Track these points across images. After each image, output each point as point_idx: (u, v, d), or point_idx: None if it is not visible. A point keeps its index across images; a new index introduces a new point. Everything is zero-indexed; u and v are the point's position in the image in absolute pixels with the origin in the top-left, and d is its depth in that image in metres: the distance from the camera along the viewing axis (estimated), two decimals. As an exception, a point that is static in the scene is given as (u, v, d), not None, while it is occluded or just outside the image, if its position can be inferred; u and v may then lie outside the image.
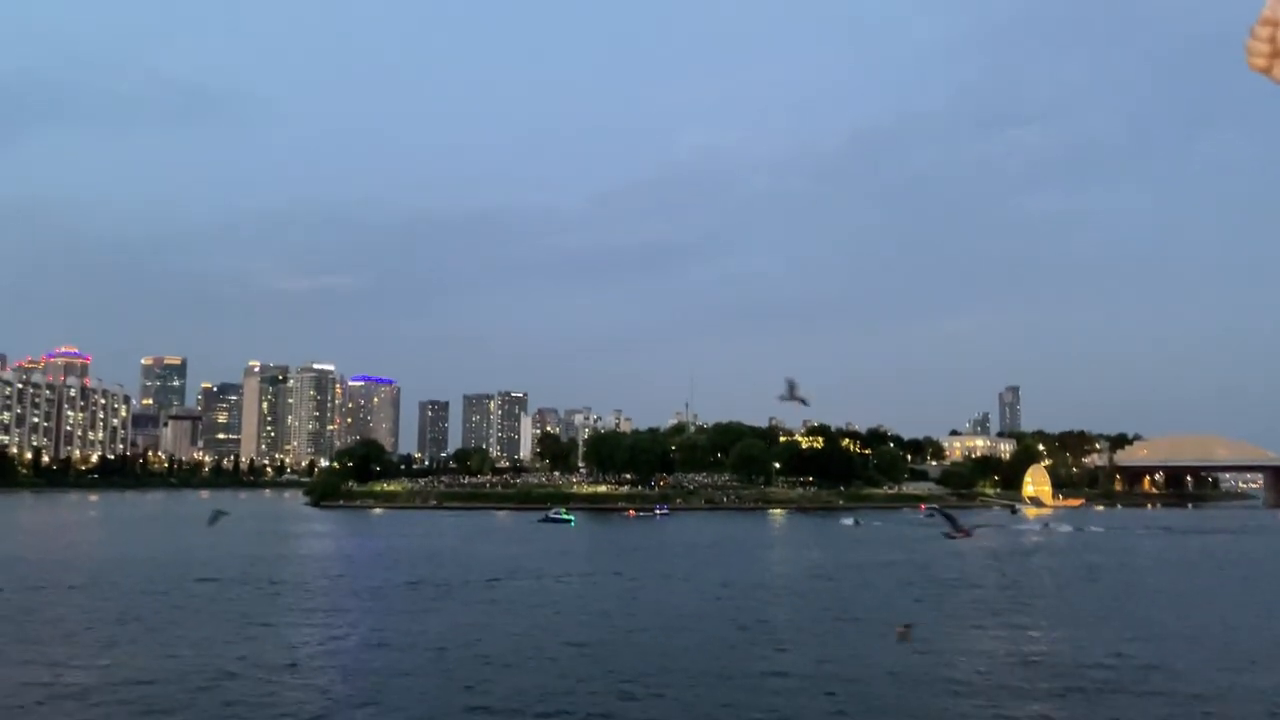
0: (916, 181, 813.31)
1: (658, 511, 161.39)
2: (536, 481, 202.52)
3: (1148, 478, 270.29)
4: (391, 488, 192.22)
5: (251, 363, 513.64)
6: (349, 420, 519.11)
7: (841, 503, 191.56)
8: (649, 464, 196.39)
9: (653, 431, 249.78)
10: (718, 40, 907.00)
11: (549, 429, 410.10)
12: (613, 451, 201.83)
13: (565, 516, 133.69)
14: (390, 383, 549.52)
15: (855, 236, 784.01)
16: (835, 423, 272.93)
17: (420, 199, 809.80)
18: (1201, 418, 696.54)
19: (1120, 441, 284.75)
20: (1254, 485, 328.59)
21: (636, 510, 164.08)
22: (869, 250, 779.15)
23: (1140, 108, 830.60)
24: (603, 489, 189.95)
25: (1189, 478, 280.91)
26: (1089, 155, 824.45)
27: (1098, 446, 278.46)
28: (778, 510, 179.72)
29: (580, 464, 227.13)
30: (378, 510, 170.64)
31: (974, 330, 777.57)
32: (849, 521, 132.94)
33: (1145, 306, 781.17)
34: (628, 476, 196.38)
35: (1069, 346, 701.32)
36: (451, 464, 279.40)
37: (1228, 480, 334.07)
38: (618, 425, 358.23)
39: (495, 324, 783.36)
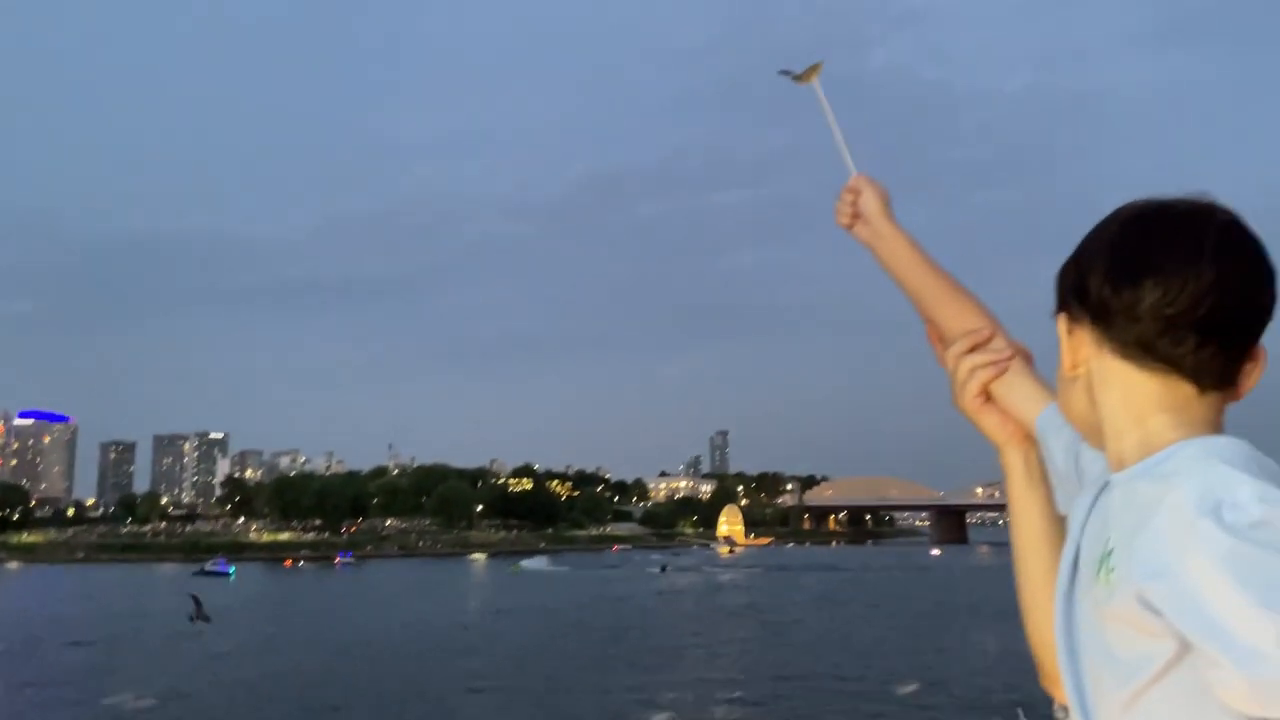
0: (639, 230, 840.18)
1: (339, 560, 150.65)
2: (209, 529, 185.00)
3: (833, 516, 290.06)
4: (31, 539, 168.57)
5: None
6: (13, 463, 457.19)
7: (544, 545, 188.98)
8: (339, 509, 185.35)
9: (351, 474, 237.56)
10: (447, 77, 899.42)
11: (250, 473, 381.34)
12: (299, 496, 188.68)
13: (224, 569, 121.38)
14: (65, 420, 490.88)
15: (578, 280, 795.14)
16: (553, 464, 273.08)
17: (111, 217, 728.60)
18: (885, 459, 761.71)
19: (810, 482, 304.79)
20: (925, 524, 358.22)
21: (296, 560, 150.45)
22: (591, 294, 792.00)
23: (832, 174, 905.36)
24: (285, 537, 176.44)
25: (869, 516, 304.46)
26: (789, 215, 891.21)
27: (789, 487, 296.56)
28: (478, 555, 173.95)
29: (266, 509, 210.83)
30: (12, 564, 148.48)
31: (691, 374, 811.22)
32: (510, 569, 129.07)
33: (839, 354, 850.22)
34: (316, 523, 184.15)
35: (774, 392, 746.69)
36: (116, 512, 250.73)
37: (905, 518, 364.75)
38: (329, 469, 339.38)
39: (196, 357, 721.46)
